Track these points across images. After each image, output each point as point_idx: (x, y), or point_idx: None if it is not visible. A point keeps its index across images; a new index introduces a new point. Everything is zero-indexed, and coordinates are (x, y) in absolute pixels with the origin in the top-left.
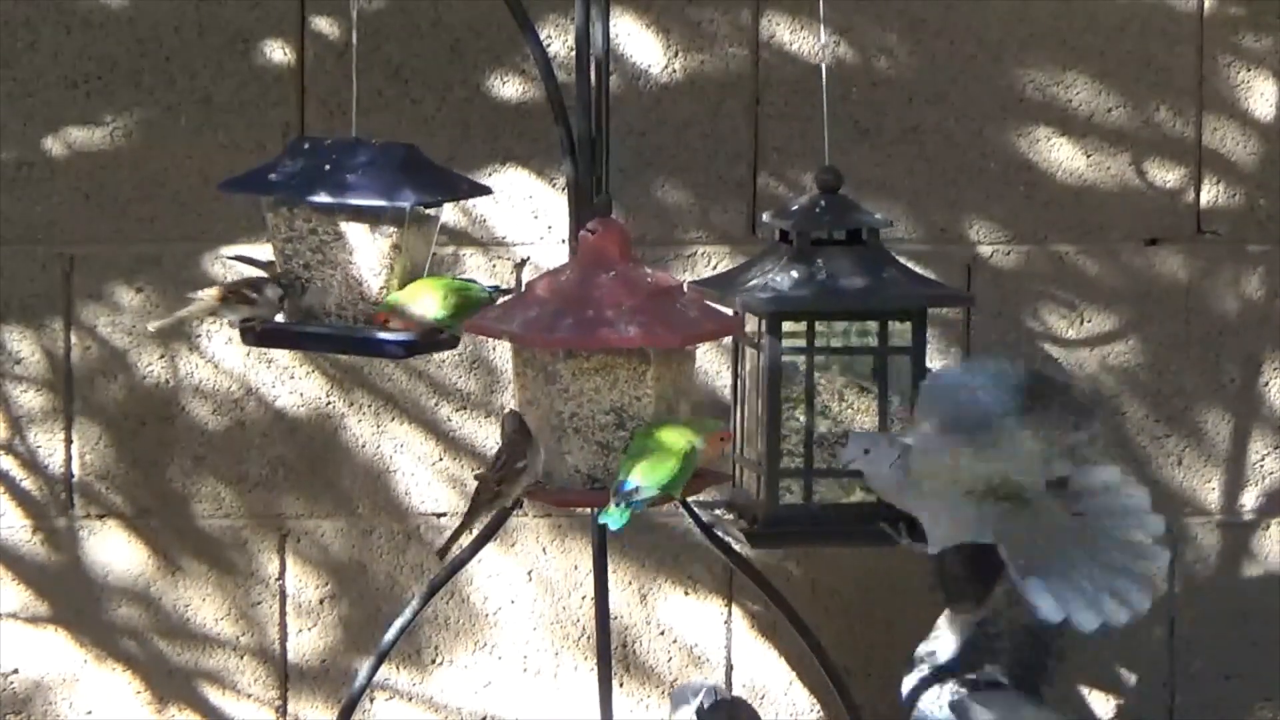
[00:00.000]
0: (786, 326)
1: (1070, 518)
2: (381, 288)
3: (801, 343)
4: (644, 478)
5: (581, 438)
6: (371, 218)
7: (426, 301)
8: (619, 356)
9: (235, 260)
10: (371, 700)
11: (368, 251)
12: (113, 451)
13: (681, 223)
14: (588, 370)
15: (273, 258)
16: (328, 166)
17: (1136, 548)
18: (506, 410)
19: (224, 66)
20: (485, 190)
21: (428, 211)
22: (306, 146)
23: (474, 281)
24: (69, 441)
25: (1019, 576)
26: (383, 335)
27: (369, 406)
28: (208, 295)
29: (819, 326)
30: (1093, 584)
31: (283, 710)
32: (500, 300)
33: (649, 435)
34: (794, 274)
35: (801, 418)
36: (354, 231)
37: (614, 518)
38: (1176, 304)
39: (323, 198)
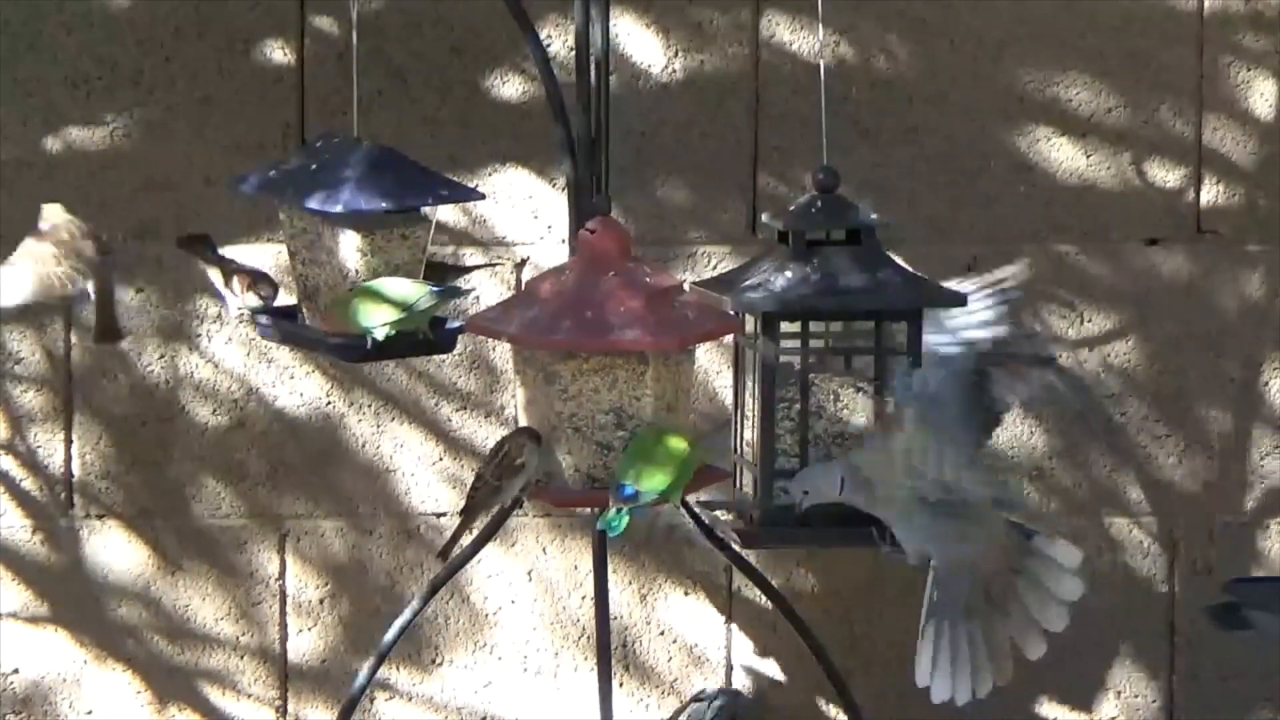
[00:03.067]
0: (782, 327)
1: (1008, 568)
2: (350, 289)
3: (797, 343)
4: (643, 483)
5: (581, 438)
6: (339, 220)
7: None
8: (618, 357)
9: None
10: (371, 700)
11: (342, 253)
12: (113, 451)
13: (681, 223)
14: (587, 371)
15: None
16: (315, 167)
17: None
18: (520, 427)
19: (224, 66)
20: (473, 195)
21: (424, 212)
22: (319, 145)
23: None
24: (69, 441)
25: (925, 617)
26: (335, 340)
27: (369, 406)
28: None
29: (814, 326)
30: (970, 654)
31: (283, 710)
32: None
33: (650, 437)
34: (789, 274)
35: (797, 418)
36: (329, 233)
37: (613, 524)
38: (1176, 304)
39: (293, 199)
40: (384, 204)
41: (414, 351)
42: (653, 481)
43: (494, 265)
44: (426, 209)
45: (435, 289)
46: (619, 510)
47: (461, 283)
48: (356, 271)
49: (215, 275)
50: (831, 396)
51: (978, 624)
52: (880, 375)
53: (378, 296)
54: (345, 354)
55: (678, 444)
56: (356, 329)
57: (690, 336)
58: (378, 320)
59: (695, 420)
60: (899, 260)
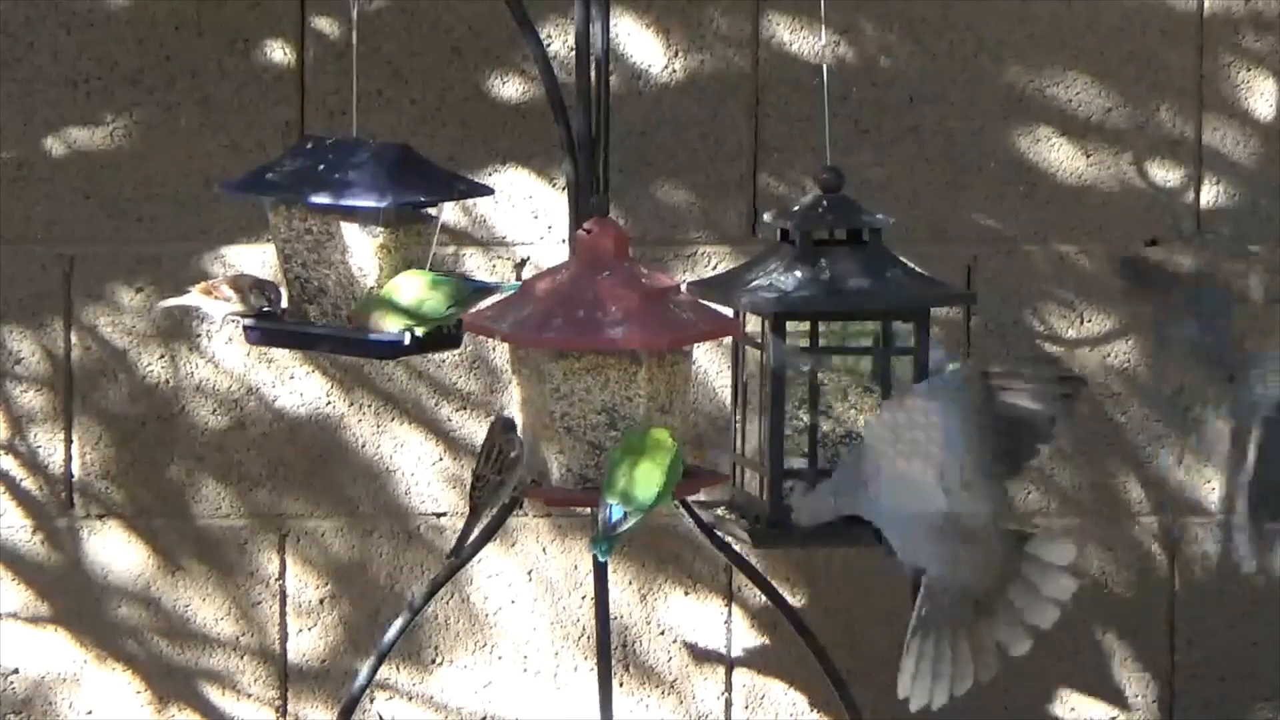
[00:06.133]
0: (789, 327)
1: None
2: (371, 287)
3: (804, 343)
4: (631, 500)
5: (573, 437)
6: (361, 218)
7: (394, 314)
8: (610, 357)
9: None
10: (371, 700)
11: (358, 251)
12: (113, 451)
13: (681, 223)
14: (579, 370)
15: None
16: (322, 166)
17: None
18: (496, 416)
19: (224, 66)
20: (485, 190)
21: (429, 211)
22: (309, 146)
23: (453, 279)
24: (69, 441)
25: (911, 631)
26: (374, 336)
27: (369, 406)
28: (206, 291)
29: (822, 326)
30: (951, 661)
31: (283, 710)
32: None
33: (633, 444)
34: (798, 274)
35: (805, 418)
36: (345, 231)
37: (602, 549)
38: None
39: (311, 197)
40: (420, 198)
41: (439, 346)
42: (641, 495)
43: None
44: (432, 207)
45: (476, 284)
46: (605, 539)
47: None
48: (380, 269)
49: (194, 297)
50: (839, 397)
51: (963, 634)
52: (887, 376)
53: (425, 291)
54: (381, 351)
55: (661, 447)
56: (398, 325)
57: (682, 336)
58: (435, 311)
59: (695, 420)
60: (906, 260)
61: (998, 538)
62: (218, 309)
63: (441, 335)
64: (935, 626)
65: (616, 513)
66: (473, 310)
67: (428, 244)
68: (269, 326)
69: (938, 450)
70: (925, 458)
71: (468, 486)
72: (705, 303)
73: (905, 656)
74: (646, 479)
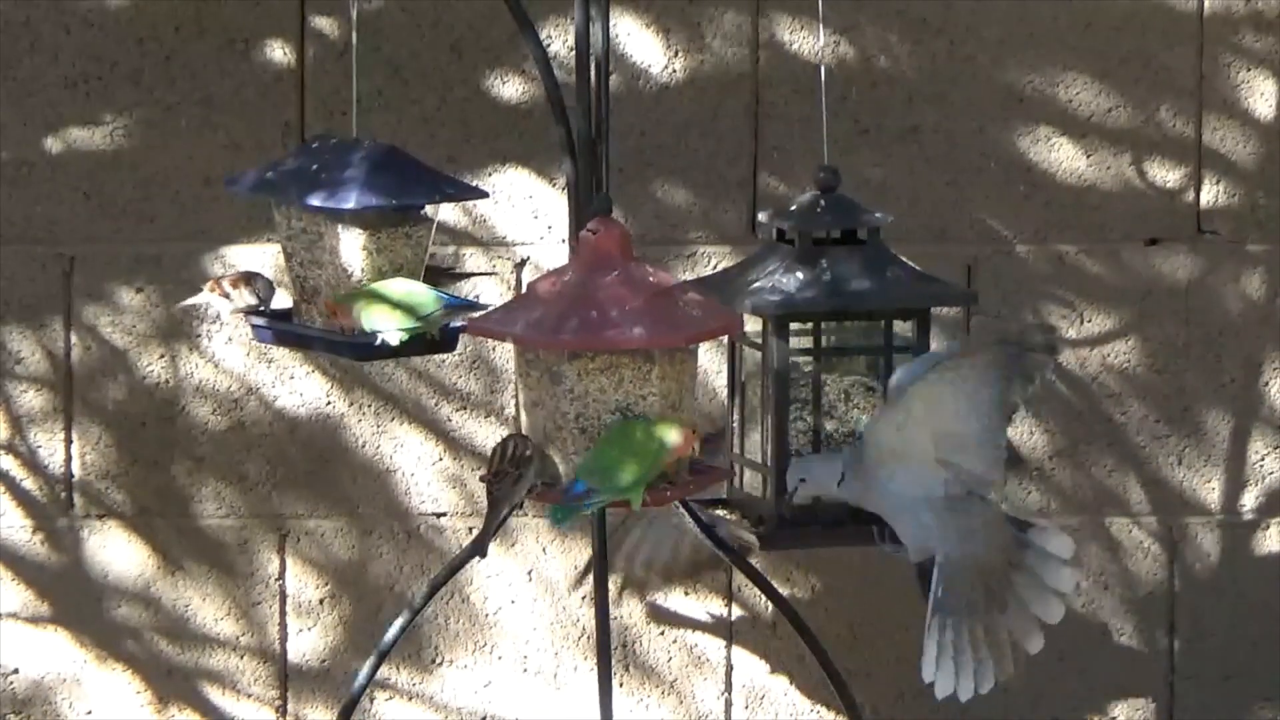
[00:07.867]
0: (792, 327)
1: (1009, 563)
2: (359, 288)
3: (807, 343)
4: (602, 479)
5: (587, 438)
6: (342, 219)
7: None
8: (624, 356)
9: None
10: (372, 700)
11: (344, 253)
12: (113, 451)
13: (681, 223)
14: (593, 371)
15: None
16: (315, 167)
17: (1038, 599)
18: (506, 436)
19: (224, 66)
20: (475, 193)
21: (425, 212)
22: (315, 146)
23: (440, 297)
24: (69, 441)
25: (931, 613)
26: (355, 339)
27: (369, 406)
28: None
29: (823, 326)
30: (972, 650)
31: (283, 710)
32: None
33: (620, 434)
34: (799, 275)
35: (808, 418)
36: (331, 232)
37: (557, 516)
38: (1176, 304)
39: (297, 198)
40: (392, 201)
41: (421, 351)
42: (613, 479)
43: (492, 273)
44: (429, 208)
45: (449, 300)
46: (564, 506)
47: (472, 297)
48: (362, 270)
49: (204, 295)
50: (843, 396)
51: (979, 620)
52: (890, 373)
53: (392, 303)
54: (354, 353)
55: (651, 441)
56: (368, 329)
57: (696, 334)
58: (390, 326)
59: (695, 421)
60: (904, 259)
61: (1001, 517)
62: (224, 306)
63: (429, 340)
64: (953, 610)
65: (579, 487)
66: (478, 314)
67: (419, 245)
68: (275, 326)
69: (943, 420)
70: (930, 429)
71: (470, 487)
72: (708, 299)
73: (926, 639)
74: (620, 466)
